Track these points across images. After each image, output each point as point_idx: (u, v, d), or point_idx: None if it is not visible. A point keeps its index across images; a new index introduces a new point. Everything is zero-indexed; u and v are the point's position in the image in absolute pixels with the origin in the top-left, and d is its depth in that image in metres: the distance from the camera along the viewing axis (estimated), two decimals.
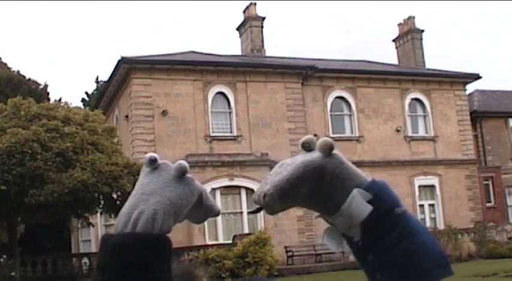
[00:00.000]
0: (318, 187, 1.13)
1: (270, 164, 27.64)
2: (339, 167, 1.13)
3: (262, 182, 1.17)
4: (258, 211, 1.21)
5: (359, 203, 1.11)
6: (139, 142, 26.69)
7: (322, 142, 1.13)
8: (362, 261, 1.15)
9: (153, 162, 1.21)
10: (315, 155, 1.14)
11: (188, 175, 1.22)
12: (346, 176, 1.13)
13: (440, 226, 30.01)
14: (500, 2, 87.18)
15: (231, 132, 28.59)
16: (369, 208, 1.10)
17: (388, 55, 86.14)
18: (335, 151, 1.13)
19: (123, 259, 1.11)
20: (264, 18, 34.50)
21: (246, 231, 25.71)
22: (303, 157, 1.15)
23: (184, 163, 1.22)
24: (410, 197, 30.29)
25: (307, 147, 1.16)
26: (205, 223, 26.03)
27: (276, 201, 1.12)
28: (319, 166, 1.12)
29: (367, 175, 1.16)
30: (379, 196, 1.12)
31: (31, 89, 36.25)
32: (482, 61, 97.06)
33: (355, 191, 1.11)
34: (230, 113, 28.74)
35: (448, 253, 25.99)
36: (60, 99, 37.83)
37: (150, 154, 1.23)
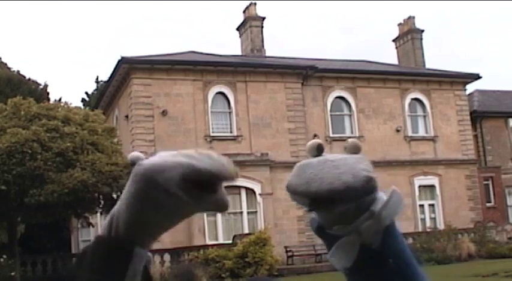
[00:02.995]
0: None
1: (270, 164, 27.66)
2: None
3: (334, 170, 1.04)
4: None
5: (399, 199, 1.05)
6: (139, 142, 26.68)
7: (352, 143, 1.10)
8: (378, 269, 1.08)
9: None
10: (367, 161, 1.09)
11: (141, 162, 1.07)
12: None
13: (440, 226, 30.01)
14: (500, 2, 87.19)
15: (231, 132, 28.59)
16: (401, 207, 1.05)
17: (388, 55, 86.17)
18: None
19: (82, 263, 1.09)
20: (264, 18, 34.49)
21: (246, 231, 25.71)
22: (360, 163, 1.07)
23: (132, 153, 1.10)
24: (410, 197, 30.27)
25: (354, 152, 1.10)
26: (205, 222, 26.06)
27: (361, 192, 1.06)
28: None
29: None
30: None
31: (31, 89, 36.22)
32: (482, 61, 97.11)
33: (393, 187, 1.06)
34: (230, 113, 28.74)
35: (448, 252, 26.00)
36: (60, 99, 37.82)
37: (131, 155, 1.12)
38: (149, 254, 1.14)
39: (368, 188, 1.02)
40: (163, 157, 1.09)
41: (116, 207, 1.10)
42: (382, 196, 1.06)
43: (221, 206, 1.04)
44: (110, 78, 29.89)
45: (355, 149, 1.09)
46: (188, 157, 1.05)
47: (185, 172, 1.00)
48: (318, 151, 1.10)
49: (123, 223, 1.08)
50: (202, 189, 1.01)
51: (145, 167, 1.06)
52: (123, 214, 1.08)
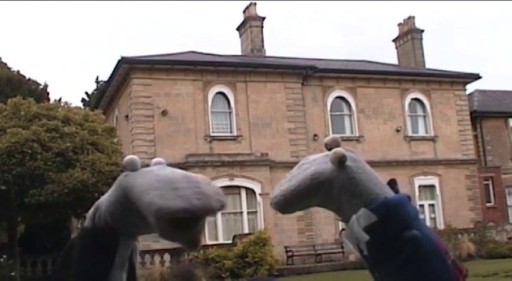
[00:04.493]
0: (326, 198, 1.08)
1: (270, 164, 27.66)
2: (348, 182, 1.06)
3: (282, 180, 1.12)
4: None
5: (356, 230, 1.06)
6: (139, 141, 26.68)
7: (332, 154, 1.07)
8: (371, 273, 1.11)
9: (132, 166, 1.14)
10: (329, 165, 1.07)
11: (128, 172, 1.13)
12: (354, 193, 1.06)
13: (440, 226, 30.01)
14: (500, 2, 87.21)
15: (231, 132, 28.59)
16: (365, 238, 1.04)
17: (388, 55, 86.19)
18: (349, 163, 1.07)
19: (68, 251, 1.15)
20: (264, 18, 34.48)
21: (246, 231, 25.71)
22: (317, 165, 1.08)
23: (126, 158, 1.14)
24: None
25: (329, 149, 1.11)
26: (205, 222, 26.00)
27: (284, 208, 1.08)
28: (326, 180, 1.06)
29: None
30: (387, 218, 1.04)
31: (31, 89, 36.20)
32: (482, 61, 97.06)
33: (354, 216, 1.06)
34: (230, 113, 28.73)
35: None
36: (60, 99, 37.80)
37: (128, 158, 1.16)
38: (136, 244, 1.16)
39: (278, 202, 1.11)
40: (154, 176, 1.08)
41: (102, 197, 1.15)
42: (353, 221, 1.05)
43: (192, 246, 1.08)
44: (110, 78, 29.88)
45: (336, 144, 1.12)
46: (167, 193, 1.04)
47: (157, 213, 1.02)
48: (326, 149, 1.16)
49: (108, 214, 1.12)
50: (179, 226, 1.04)
51: (126, 185, 1.09)
52: (109, 206, 1.12)
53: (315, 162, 1.10)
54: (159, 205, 1.02)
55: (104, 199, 1.14)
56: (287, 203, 1.08)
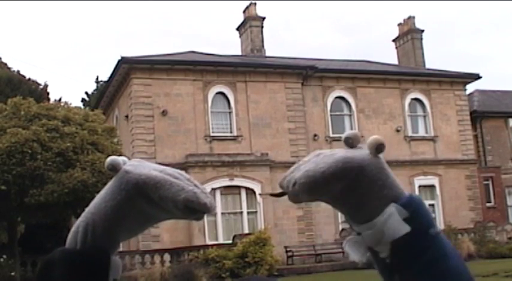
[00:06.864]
0: (352, 188, 1.03)
1: (270, 164, 27.65)
2: (380, 172, 1.03)
3: (293, 167, 1.06)
4: (280, 195, 1.09)
5: (396, 222, 1.01)
6: (139, 141, 26.67)
7: (372, 139, 1.03)
8: (387, 278, 1.07)
9: (113, 169, 1.08)
10: (357, 153, 1.04)
11: (126, 167, 1.06)
12: (386, 184, 1.03)
13: (440, 226, 29.97)
14: (500, 2, 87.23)
15: (231, 132, 28.58)
16: (407, 228, 1.01)
17: (388, 55, 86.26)
18: (381, 155, 1.04)
19: (46, 274, 1.09)
20: (264, 18, 34.48)
21: (246, 231, 25.71)
22: (344, 152, 1.04)
23: (111, 158, 1.07)
24: None
25: (350, 143, 1.06)
26: (205, 223, 26.04)
27: (305, 192, 1.01)
28: (358, 166, 1.02)
29: None
30: (416, 214, 1.02)
31: (31, 89, 36.24)
32: (482, 61, 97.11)
33: (393, 207, 1.02)
34: (230, 113, 28.73)
35: None
36: (60, 99, 37.87)
37: (109, 159, 1.09)
38: (118, 259, 1.13)
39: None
40: (152, 169, 1.06)
41: (87, 216, 1.08)
42: (393, 211, 1.01)
43: (199, 219, 1.09)
44: (110, 78, 29.88)
45: (358, 140, 1.07)
46: (190, 182, 1.05)
47: (189, 200, 1.02)
48: (346, 143, 1.08)
49: (101, 232, 1.07)
50: (194, 212, 1.05)
51: (138, 179, 1.04)
52: (102, 222, 1.07)
53: (337, 151, 1.07)
54: (188, 194, 1.03)
55: (96, 210, 1.05)
56: (314, 186, 1.01)
